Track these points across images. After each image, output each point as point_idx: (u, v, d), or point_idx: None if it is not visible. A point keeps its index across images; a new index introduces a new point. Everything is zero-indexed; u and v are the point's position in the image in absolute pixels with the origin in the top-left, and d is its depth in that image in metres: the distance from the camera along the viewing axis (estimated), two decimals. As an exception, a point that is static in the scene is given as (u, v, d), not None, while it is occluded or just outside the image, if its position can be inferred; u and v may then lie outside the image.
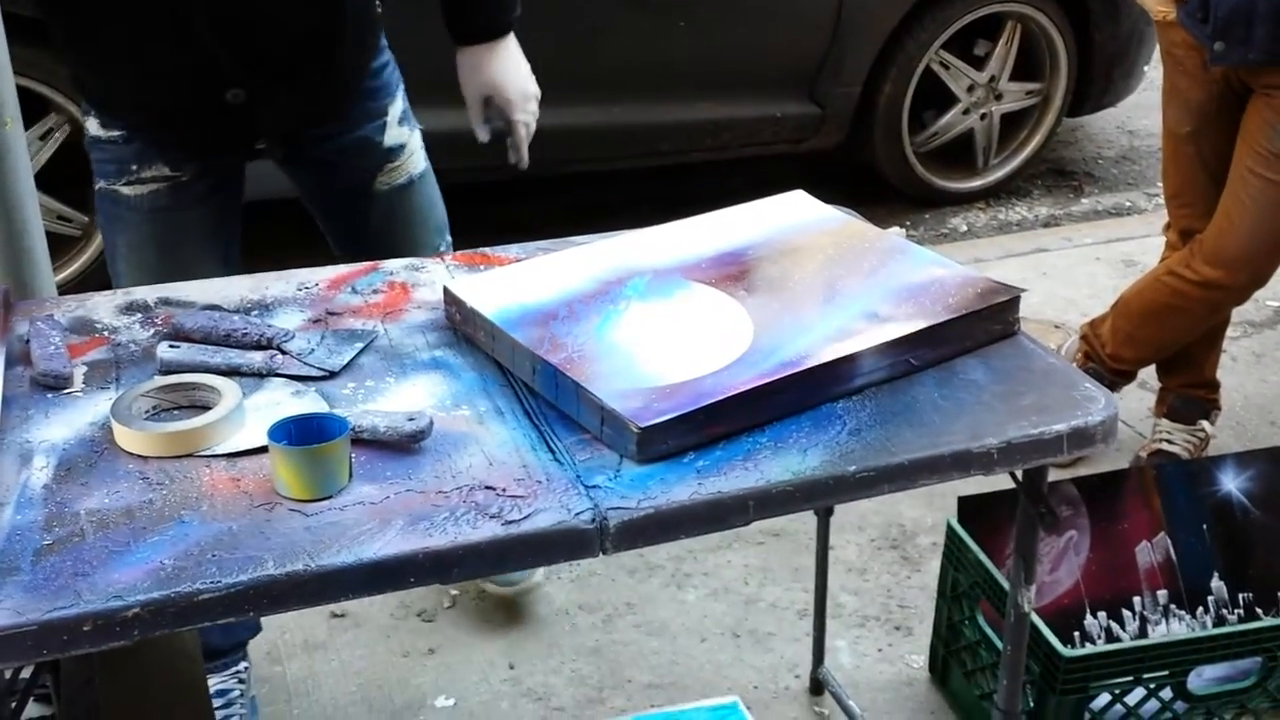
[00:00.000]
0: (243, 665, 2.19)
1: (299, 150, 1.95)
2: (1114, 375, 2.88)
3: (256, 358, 1.51)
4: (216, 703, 2.13)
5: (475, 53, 1.98)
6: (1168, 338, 2.83)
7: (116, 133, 1.87)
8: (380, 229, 1.99)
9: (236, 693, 2.16)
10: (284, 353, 1.53)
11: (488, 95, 2.00)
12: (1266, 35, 2.38)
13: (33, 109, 3.44)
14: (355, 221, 2.00)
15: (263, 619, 2.33)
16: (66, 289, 3.18)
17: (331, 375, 1.51)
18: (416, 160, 2.01)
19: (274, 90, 1.83)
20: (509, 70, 1.98)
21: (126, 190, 1.88)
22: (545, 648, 2.40)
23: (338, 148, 1.94)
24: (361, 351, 1.56)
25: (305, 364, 1.51)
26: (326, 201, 2.03)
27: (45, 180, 3.22)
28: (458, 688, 2.29)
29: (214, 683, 2.15)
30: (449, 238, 2.12)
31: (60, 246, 3.53)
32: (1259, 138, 2.51)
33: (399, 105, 1.98)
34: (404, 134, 1.98)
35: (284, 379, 1.50)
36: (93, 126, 1.89)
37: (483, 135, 2.03)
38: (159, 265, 1.89)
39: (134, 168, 1.87)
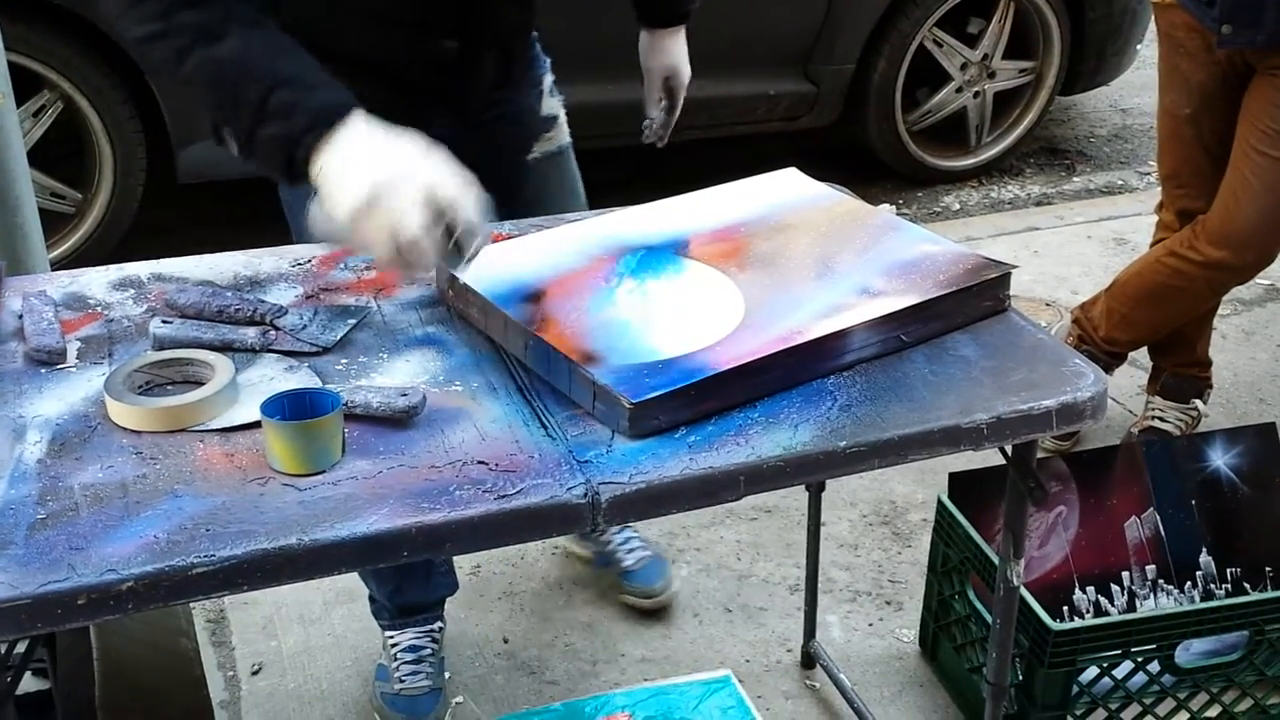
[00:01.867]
0: (438, 625, 2.24)
1: (471, 120, 1.93)
2: (1107, 358, 2.88)
3: (250, 333, 1.52)
4: (407, 658, 2.19)
5: (662, 36, 2.11)
6: (1166, 319, 2.83)
7: None
8: (533, 198, 2.01)
9: (428, 650, 2.20)
10: (276, 328, 1.54)
11: (667, 76, 2.14)
12: (1275, 18, 2.38)
13: (26, 86, 3.44)
14: (510, 190, 2.00)
15: (256, 593, 2.35)
16: (60, 266, 3.17)
17: (324, 351, 1.51)
18: (564, 132, 2.07)
19: (480, 43, 1.81)
20: (685, 55, 2.14)
21: None
22: (539, 622, 2.41)
23: (504, 114, 1.96)
24: (354, 327, 1.56)
25: (298, 340, 1.52)
26: (485, 171, 2.01)
27: (39, 157, 3.22)
28: (452, 661, 2.30)
29: (407, 638, 2.20)
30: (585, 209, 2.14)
31: (54, 224, 3.52)
32: (1264, 117, 2.50)
33: (549, 76, 2.03)
34: (555, 105, 2.04)
35: (277, 354, 1.50)
36: None
37: (654, 111, 2.16)
38: None
39: None
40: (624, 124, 4.05)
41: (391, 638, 2.21)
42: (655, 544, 2.51)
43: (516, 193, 2.01)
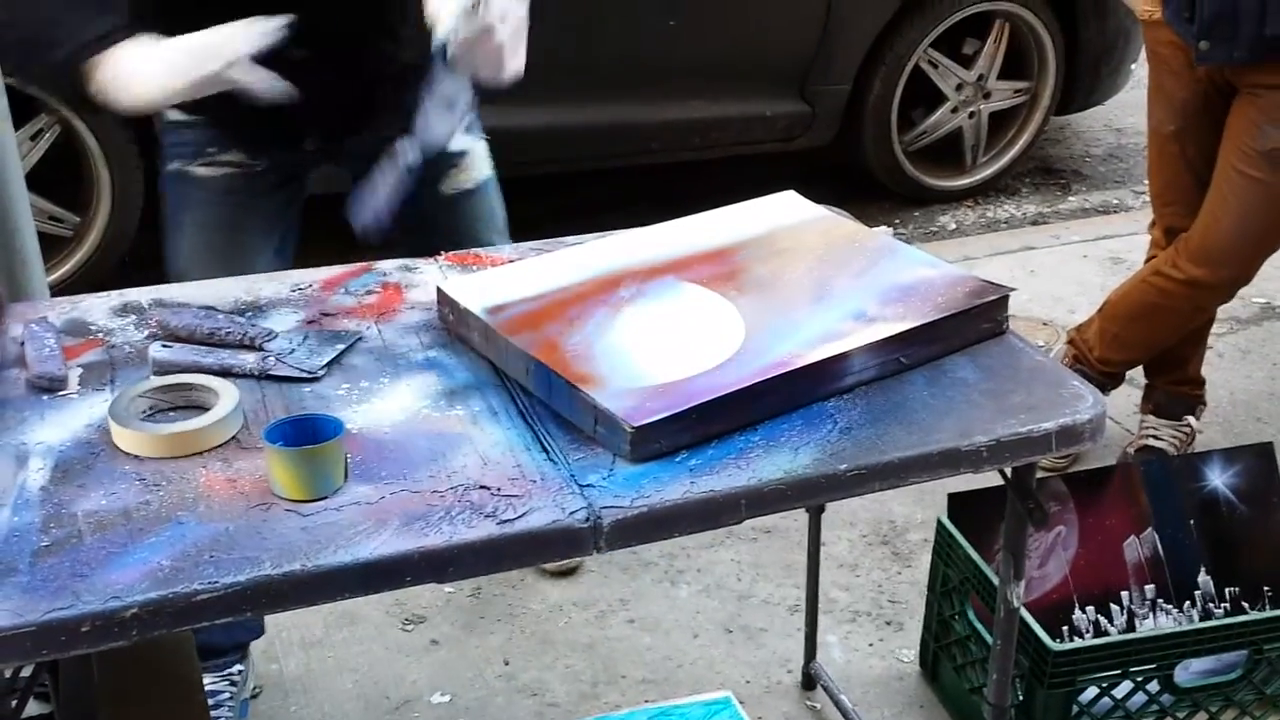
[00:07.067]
0: (237, 668, 2.20)
1: (336, 140, 1.97)
2: (1103, 379, 2.89)
3: (249, 359, 1.52)
4: None
5: None
6: (1155, 338, 2.84)
7: (196, 116, 1.91)
8: (448, 231, 2.03)
9: (226, 695, 2.17)
10: (264, 351, 1.54)
11: None
12: (1252, 34, 2.40)
13: (23, 109, 3.44)
14: (423, 222, 2.02)
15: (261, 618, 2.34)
16: (59, 290, 3.17)
17: (312, 376, 1.51)
18: (482, 168, 2.08)
19: (332, 62, 1.83)
20: None
21: (202, 171, 1.94)
22: (539, 644, 2.41)
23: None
24: (344, 352, 1.56)
25: (285, 364, 1.52)
26: (408, 200, 2.01)
27: (37, 181, 3.22)
28: (453, 684, 2.30)
29: (205, 682, 2.15)
30: (508, 240, 2.16)
31: (52, 247, 3.53)
32: (1244, 137, 2.52)
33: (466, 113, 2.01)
34: (467, 141, 2.04)
35: (272, 380, 1.50)
36: (171, 111, 1.93)
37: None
38: (223, 246, 1.96)
39: (211, 150, 1.93)
40: (619, 146, 4.10)
41: None
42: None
43: (430, 226, 2.03)
